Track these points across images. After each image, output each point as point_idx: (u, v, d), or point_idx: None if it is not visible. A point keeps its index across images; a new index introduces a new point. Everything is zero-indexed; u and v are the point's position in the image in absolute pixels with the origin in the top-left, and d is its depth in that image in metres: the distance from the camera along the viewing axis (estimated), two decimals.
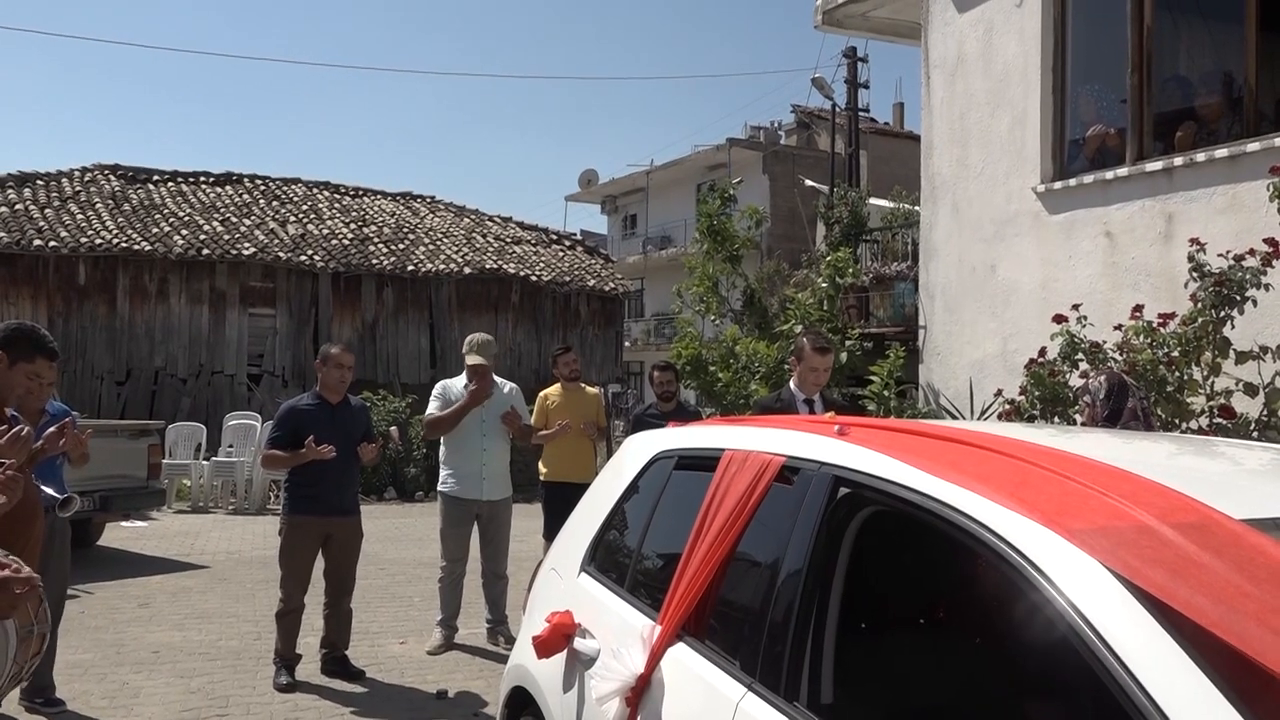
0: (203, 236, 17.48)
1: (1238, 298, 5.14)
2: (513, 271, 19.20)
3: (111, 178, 19.18)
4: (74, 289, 16.40)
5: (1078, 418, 5.06)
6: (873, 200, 15.12)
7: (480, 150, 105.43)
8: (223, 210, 18.89)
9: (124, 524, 10.68)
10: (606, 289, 20.21)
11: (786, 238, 24.18)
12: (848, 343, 9.68)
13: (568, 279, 19.73)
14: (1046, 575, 1.57)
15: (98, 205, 17.87)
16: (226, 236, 17.71)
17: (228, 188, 20.08)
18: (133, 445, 9.39)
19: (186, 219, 18.05)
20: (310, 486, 5.53)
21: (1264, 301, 5.16)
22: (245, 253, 17.30)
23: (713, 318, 11.68)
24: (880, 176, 21.35)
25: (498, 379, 6.58)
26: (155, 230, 17.32)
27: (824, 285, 10.53)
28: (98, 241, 16.49)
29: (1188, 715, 1.31)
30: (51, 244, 16.09)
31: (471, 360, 6.32)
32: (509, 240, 20.93)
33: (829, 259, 10.99)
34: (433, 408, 6.42)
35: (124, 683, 5.47)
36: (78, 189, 18.36)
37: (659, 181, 32.69)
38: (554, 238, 22.02)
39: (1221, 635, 1.36)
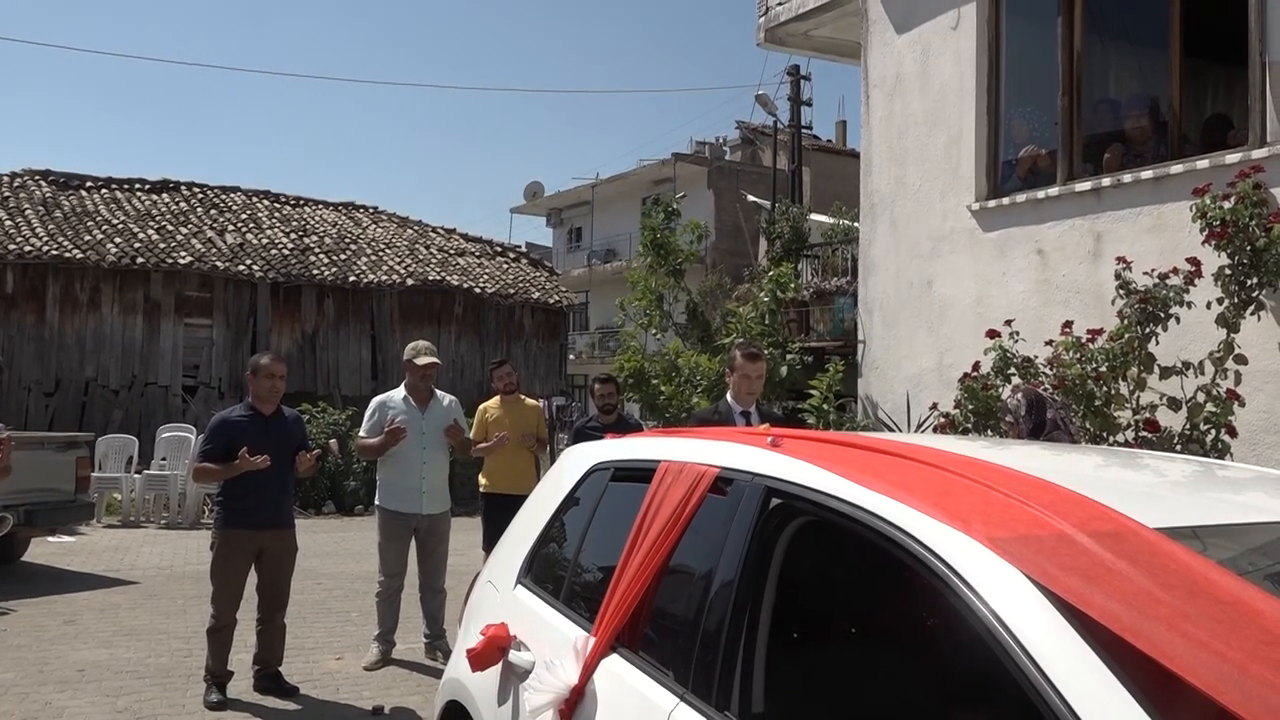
0: (137, 245, 17.10)
1: (1162, 315, 5.30)
2: (456, 283, 19.07)
3: (42, 183, 18.67)
4: (1, 297, 15.94)
5: (1008, 433, 5.17)
6: (814, 216, 15.28)
7: (425, 161, 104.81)
8: (158, 218, 18.48)
9: (50, 539, 10.36)
10: (551, 302, 20.16)
11: (730, 252, 24.37)
12: (788, 356, 9.76)
13: (512, 291, 19.65)
14: (967, 581, 1.60)
15: (27, 211, 17.38)
16: (162, 245, 17.34)
17: (164, 195, 19.65)
18: (60, 458, 9.13)
19: (120, 226, 17.64)
20: (243, 499, 5.44)
21: (1186, 319, 5.32)
22: (181, 261, 16.95)
23: (654, 331, 11.71)
24: (822, 193, 21.59)
25: (438, 391, 6.55)
26: (87, 238, 16.89)
27: (765, 299, 10.62)
28: (27, 249, 16.04)
29: (1100, 718, 1.35)
30: None
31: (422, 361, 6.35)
32: (453, 252, 20.79)
33: (771, 274, 11.08)
34: (364, 429, 6.41)
35: (47, 703, 5.31)
36: (6, 194, 17.83)
37: (604, 195, 32.76)
38: (498, 250, 21.93)
39: (1132, 640, 1.40)
